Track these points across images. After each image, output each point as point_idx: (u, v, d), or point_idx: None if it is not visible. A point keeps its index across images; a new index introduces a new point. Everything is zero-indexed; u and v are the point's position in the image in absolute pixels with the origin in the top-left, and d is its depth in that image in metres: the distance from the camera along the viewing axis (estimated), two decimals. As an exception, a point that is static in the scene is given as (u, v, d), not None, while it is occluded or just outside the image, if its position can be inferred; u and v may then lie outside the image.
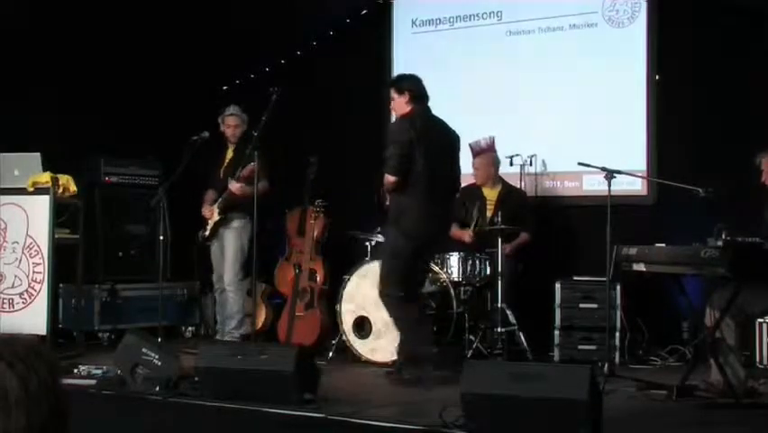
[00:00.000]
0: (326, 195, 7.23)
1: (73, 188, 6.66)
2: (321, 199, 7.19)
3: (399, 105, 5.73)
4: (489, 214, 7.01)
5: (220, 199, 7.09)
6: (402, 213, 5.64)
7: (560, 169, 7.37)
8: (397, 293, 5.66)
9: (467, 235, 6.91)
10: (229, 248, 7.15)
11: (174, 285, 7.84)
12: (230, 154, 7.29)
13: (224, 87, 8.63)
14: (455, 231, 7.10)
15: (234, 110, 7.23)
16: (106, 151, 7.75)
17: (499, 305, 6.49)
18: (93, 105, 7.74)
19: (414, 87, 5.75)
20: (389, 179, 5.60)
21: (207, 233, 7.23)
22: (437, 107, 7.83)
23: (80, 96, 7.64)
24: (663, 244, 5.13)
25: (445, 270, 6.77)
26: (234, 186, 6.87)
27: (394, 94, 5.75)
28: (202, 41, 8.21)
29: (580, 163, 6.00)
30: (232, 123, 7.22)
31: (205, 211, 7.25)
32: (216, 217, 7.15)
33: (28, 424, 1.51)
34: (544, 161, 7.40)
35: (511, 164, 7.25)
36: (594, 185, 6.88)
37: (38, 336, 5.96)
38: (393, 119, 5.96)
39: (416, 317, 5.80)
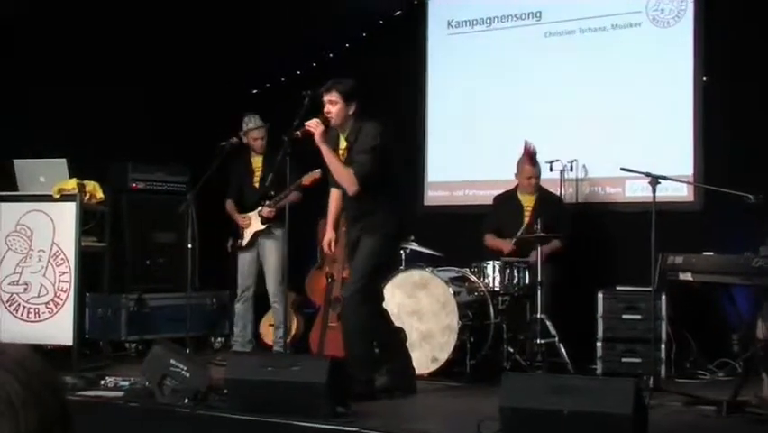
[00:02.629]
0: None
1: (100, 194, 6.69)
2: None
3: (341, 114, 5.48)
4: (526, 221, 6.98)
5: (266, 208, 7.09)
6: (388, 214, 5.50)
7: (602, 174, 7.31)
8: (375, 309, 5.57)
9: (506, 247, 6.89)
10: (271, 258, 7.22)
11: (203, 294, 7.85)
12: (258, 163, 7.35)
13: (254, 91, 8.65)
14: (491, 240, 7.12)
15: (257, 122, 7.29)
16: (133, 156, 7.81)
17: (539, 315, 6.45)
18: (120, 109, 7.80)
19: (359, 105, 5.54)
20: (357, 188, 5.41)
21: (245, 242, 7.27)
22: (473, 110, 7.83)
23: (107, 101, 7.69)
24: (711, 253, 5.11)
25: (482, 279, 6.75)
26: (294, 195, 6.86)
27: (339, 99, 5.45)
28: (232, 43, 8.23)
29: (623, 168, 5.95)
30: (258, 135, 7.28)
31: (242, 220, 7.28)
32: (261, 226, 7.20)
33: (39, 425, 1.52)
34: (584, 166, 7.36)
35: (551, 170, 7.20)
36: (638, 191, 6.89)
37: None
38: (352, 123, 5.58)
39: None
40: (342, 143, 5.57)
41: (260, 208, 7.18)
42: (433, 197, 8.04)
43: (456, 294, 6.44)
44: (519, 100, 7.66)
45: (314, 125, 5.38)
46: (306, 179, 6.76)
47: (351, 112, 5.50)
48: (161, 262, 7.84)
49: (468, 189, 7.94)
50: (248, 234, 7.29)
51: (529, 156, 7.01)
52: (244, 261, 7.35)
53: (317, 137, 5.40)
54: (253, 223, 7.26)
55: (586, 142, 7.33)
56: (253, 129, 7.28)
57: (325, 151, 5.44)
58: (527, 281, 6.71)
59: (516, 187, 7.16)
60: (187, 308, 7.06)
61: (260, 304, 7.52)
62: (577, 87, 7.47)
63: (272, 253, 7.23)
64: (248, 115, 7.35)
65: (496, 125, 7.71)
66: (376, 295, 5.59)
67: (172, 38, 8.00)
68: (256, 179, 7.35)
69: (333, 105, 5.46)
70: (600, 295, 6.59)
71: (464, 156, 7.93)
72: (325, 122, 5.43)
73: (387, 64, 8.08)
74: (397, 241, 5.63)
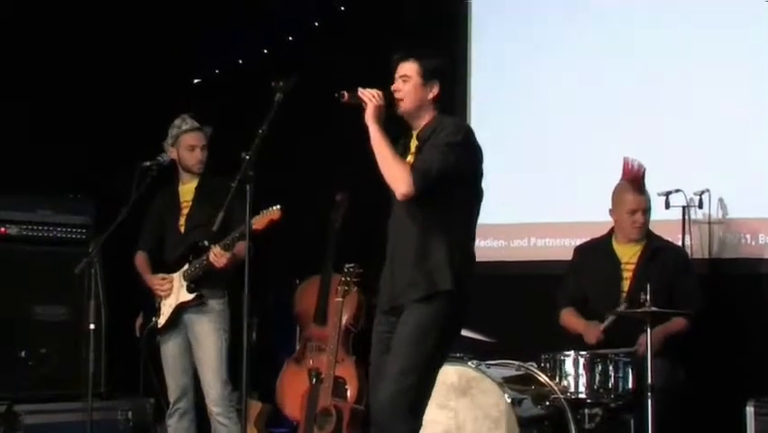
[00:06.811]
0: (362, 255, 7.24)
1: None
2: (353, 264, 7.37)
3: (415, 96, 5.63)
4: (626, 285, 7.07)
5: (190, 268, 7.08)
6: (450, 264, 5.54)
7: (752, 214, 7.36)
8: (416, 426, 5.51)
9: (593, 335, 6.98)
10: (209, 346, 7.13)
11: (113, 405, 7.88)
12: (188, 193, 7.33)
13: (196, 81, 8.99)
14: (571, 319, 7.24)
15: (193, 122, 7.31)
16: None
17: (651, 440, 6.54)
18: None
19: (444, 86, 5.72)
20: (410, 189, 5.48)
21: (163, 320, 7.18)
22: (540, 110, 8.12)
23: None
24: None
25: (559, 380, 6.78)
26: (240, 247, 6.85)
27: (415, 73, 5.62)
28: (160, 9, 8.51)
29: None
30: (195, 141, 7.27)
31: (157, 283, 7.22)
32: (188, 296, 7.11)
33: None
34: (722, 201, 7.41)
35: (667, 206, 7.28)
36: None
37: None
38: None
39: None
40: (413, 143, 5.72)
41: (185, 267, 7.11)
42: (480, 249, 7.84)
43: (517, 404, 6.49)
44: (618, 97, 7.79)
45: (370, 96, 5.55)
46: (259, 222, 6.64)
47: (430, 96, 5.64)
48: (45, 353, 7.80)
49: (535, 237, 8.14)
50: (167, 308, 7.18)
51: (632, 179, 7.04)
52: (168, 352, 7.26)
53: (369, 111, 5.53)
54: (176, 290, 7.14)
55: (726, 162, 7.38)
56: (188, 131, 7.24)
57: (375, 132, 5.54)
58: (631, 385, 6.71)
59: (611, 232, 7.25)
60: (87, 426, 6.99)
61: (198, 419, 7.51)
62: (711, 78, 7.48)
63: (208, 337, 7.13)
64: (180, 116, 7.34)
65: (578, 135, 7.96)
66: (424, 401, 5.56)
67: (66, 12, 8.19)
68: (183, 218, 7.29)
69: (405, 81, 5.63)
70: (751, 409, 6.50)
71: (529, 184, 8.09)
72: (390, 101, 5.59)
73: (397, 39, 7.98)
74: (463, 307, 5.59)
